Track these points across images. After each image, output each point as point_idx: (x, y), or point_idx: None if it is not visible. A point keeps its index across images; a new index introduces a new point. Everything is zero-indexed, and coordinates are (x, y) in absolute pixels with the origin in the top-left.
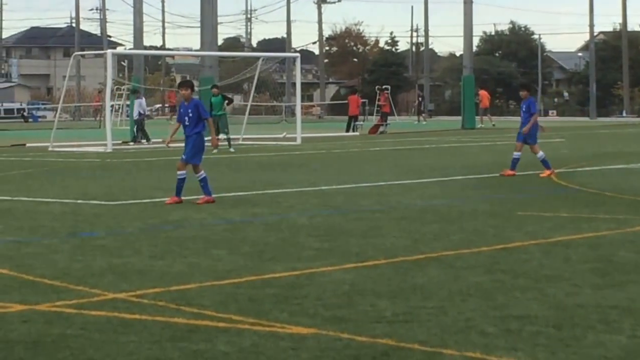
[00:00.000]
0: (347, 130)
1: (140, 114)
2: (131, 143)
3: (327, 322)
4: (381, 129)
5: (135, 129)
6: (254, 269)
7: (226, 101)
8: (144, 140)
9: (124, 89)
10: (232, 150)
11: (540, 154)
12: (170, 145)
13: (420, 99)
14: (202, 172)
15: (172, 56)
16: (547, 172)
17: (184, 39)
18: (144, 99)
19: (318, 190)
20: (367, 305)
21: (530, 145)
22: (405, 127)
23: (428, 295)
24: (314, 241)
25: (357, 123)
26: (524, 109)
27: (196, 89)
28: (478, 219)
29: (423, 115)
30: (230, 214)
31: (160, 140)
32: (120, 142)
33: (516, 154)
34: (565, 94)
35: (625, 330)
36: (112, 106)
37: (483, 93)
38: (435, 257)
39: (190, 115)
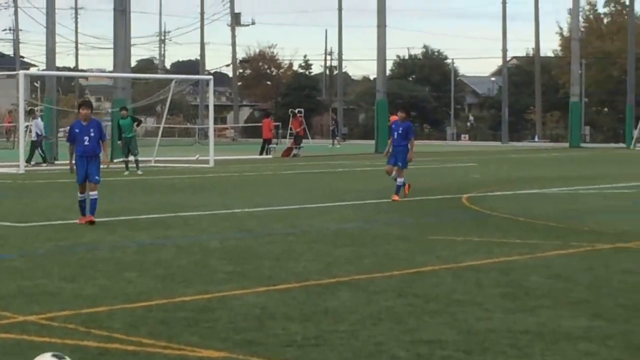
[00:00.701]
0: (261, 153)
1: (37, 134)
2: (44, 164)
3: (238, 346)
4: (295, 152)
5: (39, 150)
6: (165, 292)
7: (135, 123)
8: (42, 162)
9: (37, 110)
10: (140, 172)
11: (402, 180)
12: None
13: (333, 122)
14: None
15: (86, 77)
16: (396, 197)
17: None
18: (39, 119)
19: (231, 213)
20: (278, 328)
21: (399, 167)
22: (319, 150)
23: (339, 319)
24: (226, 264)
25: (270, 146)
26: (400, 132)
27: (109, 110)
28: (390, 242)
29: (337, 138)
30: (142, 236)
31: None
32: (33, 163)
33: (399, 180)
34: (471, 117)
35: (536, 355)
36: (26, 127)
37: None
38: (347, 280)
39: (92, 135)
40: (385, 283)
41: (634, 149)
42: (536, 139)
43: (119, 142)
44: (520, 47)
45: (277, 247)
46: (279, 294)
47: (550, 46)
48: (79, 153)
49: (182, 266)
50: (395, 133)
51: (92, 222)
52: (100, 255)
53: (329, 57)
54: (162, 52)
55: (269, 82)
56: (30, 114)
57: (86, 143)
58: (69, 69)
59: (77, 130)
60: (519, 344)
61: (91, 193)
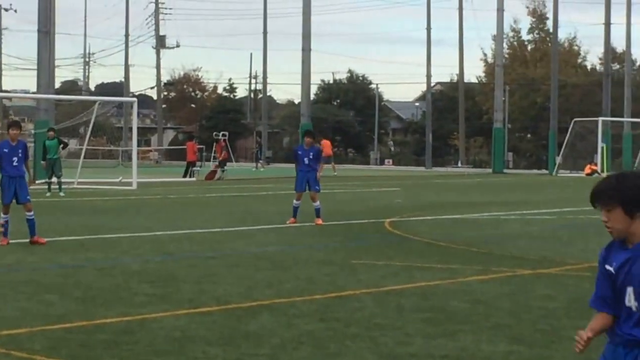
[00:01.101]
0: (185, 176)
1: None
2: None
3: None
4: (218, 175)
5: None
6: (85, 314)
7: (61, 145)
8: None
9: None
10: (62, 194)
11: (318, 203)
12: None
13: (258, 145)
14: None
15: (9, 98)
16: (320, 220)
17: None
18: None
19: (152, 235)
20: (198, 352)
21: (313, 192)
22: (243, 173)
23: (260, 342)
24: (147, 287)
25: (194, 169)
26: (311, 157)
27: (32, 131)
28: (312, 266)
29: (260, 162)
30: (63, 258)
31: None
32: None
33: (315, 204)
34: (391, 143)
35: None
36: None
37: (325, 142)
38: (268, 304)
39: (20, 155)
40: (306, 307)
41: (556, 175)
42: (459, 165)
43: (42, 162)
44: (444, 72)
45: (198, 270)
46: (199, 317)
47: (474, 72)
48: (6, 173)
49: (103, 288)
50: (306, 159)
51: (41, 243)
52: (21, 276)
53: (253, 81)
54: (87, 73)
55: (193, 105)
56: None
57: (14, 164)
58: None
59: (5, 150)
60: None
61: (28, 214)
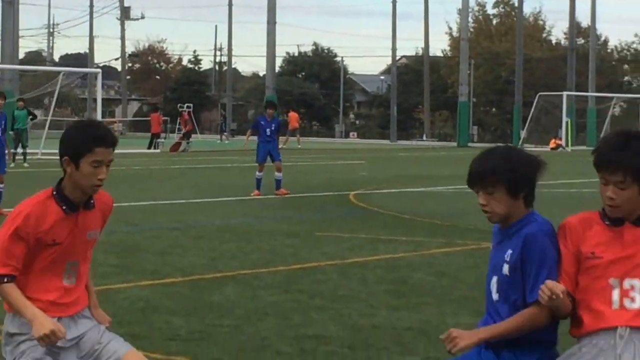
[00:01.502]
0: (149, 148)
1: None
2: None
3: None
4: (183, 146)
5: None
6: None
7: (30, 117)
8: None
9: None
10: (26, 165)
11: (281, 174)
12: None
13: (222, 117)
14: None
15: None
16: (283, 191)
17: None
18: None
19: (116, 206)
20: (162, 322)
21: (277, 162)
22: (207, 145)
23: (224, 313)
24: (111, 258)
25: (158, 140)
26: (273, 128)
27: None
28: (276, 238)
29: (225, 134)
30: None
31: None
32: None
33: (277, 174)
34: (352, 116)
35: (420, 351)
36: None
37: (292, 115)
38: (233, 275)
39: (3, 127)
40: (270, 278)
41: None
42: (424, 138)
43: (11, 132)
44: (409, 46)
45: (163, 241)
46: (163, 288)
47: (439, 46)
48: None
49: None
50: (269, 130)
51: (2, 214)
52: None
53: (218, 53)
54: (51, 44)
55: (158, 77)
56: None
57: None
58: None
59: None
60: (403, 340)
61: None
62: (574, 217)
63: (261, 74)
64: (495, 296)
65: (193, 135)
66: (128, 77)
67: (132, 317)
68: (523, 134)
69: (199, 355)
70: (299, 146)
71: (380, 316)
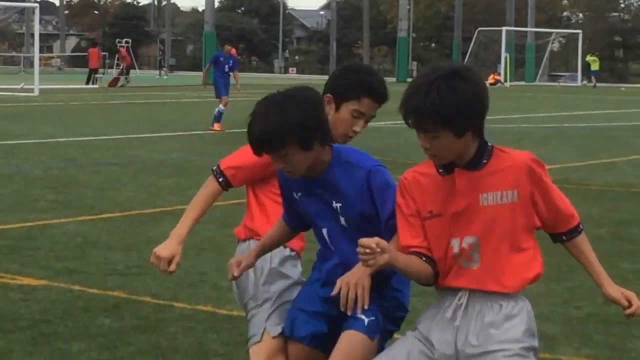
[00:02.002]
0: (87, 83)
1: None
2: None
3: (59, 274)
4: (121, 82)
5: None
6: None
7: None
8: None
9: None
10: None
11: (222, 107)
12: None
13: (161, 53)
14: None
15: None
16: (217, 126)
17: None
18: None
19: (55, 142)
20: (100, 257)
21: (226, 97)
22: (146, 81)
23: None
24: (49, 193)
25: (97, 76)
26: (230, 64)
27: None
28: None
29: (164, 69)
30: None
31: None
32: None
33: (221, 107)
34: (287, 52)
35: None
36: None
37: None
38: (171, 210)
39: None
40: (208, 213)
41: None
42: None
43: None
44: None
45: (101, 176)
46: (101, 223)
47: None
48: None
49: (4, 195)
50: (227, 66)
51: None
52: None
53: None
54: None
55: (96, 12)
56: None
57: None
58: None
59: None
60: None
61: None
62: (410, 172)
63: (200, 9)
64: None
65: (132, 71)
66: (66, 11)
67: (70, 252)
68: None
69: (137, 290)
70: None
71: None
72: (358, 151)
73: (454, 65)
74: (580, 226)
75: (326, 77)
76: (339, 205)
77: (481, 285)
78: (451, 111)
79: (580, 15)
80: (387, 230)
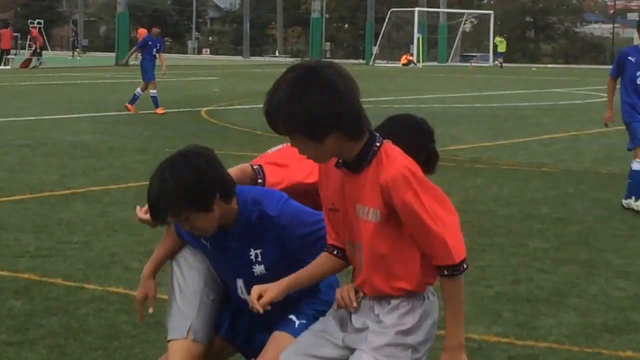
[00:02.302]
0: None
1: None
2: None
3: None
4: (34, 63)
5: None
6: None
7: None
8: None
9: None
10: None
11: (153, 91)
12: None
13: (74, 34)
14: None
15: None
16: (161, 110)
17: None
18: None
19: None
20: (10, 239)
21: (148, 81)
22: (59, 62)
23: (73, 230)
24: None
25: (9, 57)
26: (158, 47)
27: None
28: (128, 154)
29: (77, 50)
30: None
31: None
32: None
33: (152, 92)
34: (197, 34)
35: None
36: None
37: (142, 31)
38: (83, 192)
39: None
40: (120, 195)
41: (373, 65)
42: (277, 54)
43: None
44: None
45: (12, 158)
46: (12, 205)
47: None
48: None
49: None
50: (155, 49)
51: None
52: None
53: None
54: None
55: None
56: None
57: None
58: None
59: None
60: None
61: None
62: (324, 163)
63: None
64: None
65: (44, 52)
66: None
67: None
68: (375, 50)
69: (48, 272)
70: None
71: None
72: (264, 192)
73: (304, 67)
74: (460, 268)
75: (240, 58)
76: (257, 252)
77: (369, 289)
78: (291, 119)
79: None
80: (310, 248)
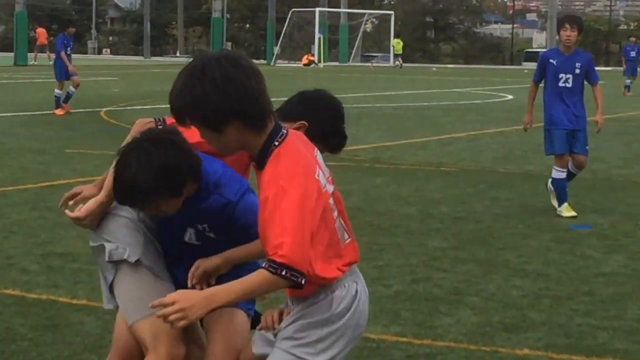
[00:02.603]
0: None
1: None
2: None
3: None
4: None
5: None
6: None
7: None
8: None
9: None
10: None
11: (58, 91)
12: None
13: None
14: None
15: None
16: (61, 110)
17: None
18: None
19: None
20: None
21: (62, 81)
22: None
23: None
24: None
25: None
26: (71, 46)
27: None
28: (25, 156)
29: None
30: None
31: None
32: None
33: (57, 92)
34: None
35: None
36: None
37: (40, 31)
38: None
39: None
40: (18, 196)
41: (274, 65)
42: (178, 54)
43: None
44: None
45: None
46: None
47: None
48: None
49: None
50: (69, 48)
51: None
52: None
53: None
54: None
55: None
56: None
57: None
58: None
59: None
60: None
61: None
62: None
63: None
64: None
65: None
66: None
67: None
68: (276, 50)
69: None
70: (51, 62)
71: None
72: (228, 177)
73: (202, 57)
74: (274, 265)
75: (140, 58)
76: (204, 226)
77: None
78: (187, 108)
79: None
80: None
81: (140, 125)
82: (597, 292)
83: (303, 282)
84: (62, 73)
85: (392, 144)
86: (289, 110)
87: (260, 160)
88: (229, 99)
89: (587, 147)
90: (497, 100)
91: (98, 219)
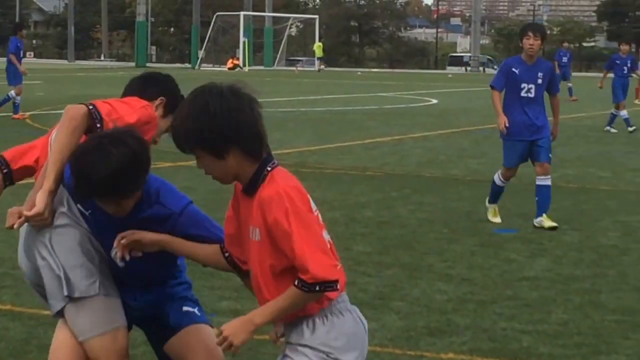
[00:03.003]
0: None
1: None
2: None
3: None
4: None
5: None
6: None
7: None
8: None
9: None
10: None
11: (14, 95)
12: None
13: None
14: None
15: None
16: (19, 115)
17: None
18: None
19: None
20: None
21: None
22: None
23: None
24: None
25: None
26: (23, 49)
27: None
28: None
29: None
30: None
31: None
32: None
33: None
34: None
35: None
36: None
37: None
38: None
39: None
40: None
41: (199, 69)
42: (102, 58)
43: None
44: None
45: None
46: None
47: None
48: None
49: None
50: (21, 52)
51: None
52: None
53: None
54: None
55: None
56: None
57: None
58: None
59: None
60: None
61: None
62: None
63: None
64: None
65: None
66: None
67: None
68: (201, 54)
69: None
70: None
71: None
72: (166, 188)
73: (206, 87)
74: (306, 286)
75: (65, 62)
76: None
77: None
78: (191, 135)
79: (317, 0)
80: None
81: (72, 110)
82: (522, 296)
83: (337, 287)
84: (17, 76)
85: (317, 148)
86: (143, 93)
87: (252, 185)
88: (232, 125)
89: (550, 155)
90: (422, 104)
91: (52, 212)
